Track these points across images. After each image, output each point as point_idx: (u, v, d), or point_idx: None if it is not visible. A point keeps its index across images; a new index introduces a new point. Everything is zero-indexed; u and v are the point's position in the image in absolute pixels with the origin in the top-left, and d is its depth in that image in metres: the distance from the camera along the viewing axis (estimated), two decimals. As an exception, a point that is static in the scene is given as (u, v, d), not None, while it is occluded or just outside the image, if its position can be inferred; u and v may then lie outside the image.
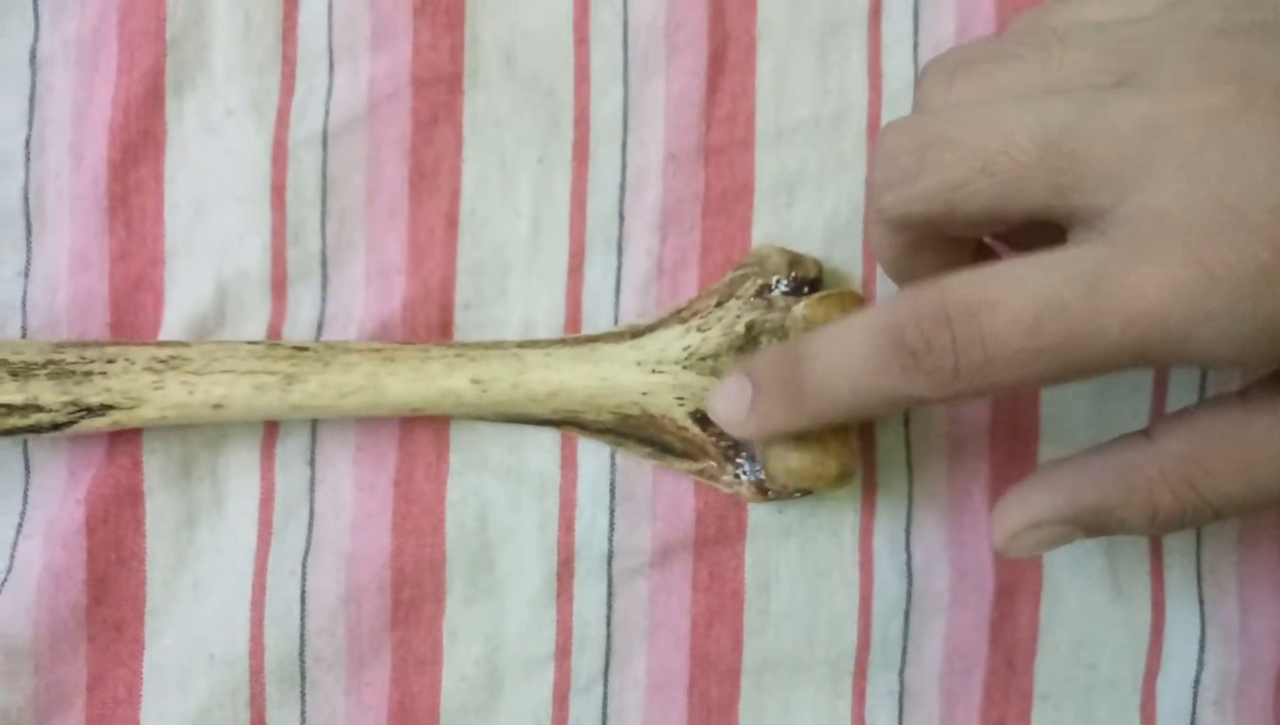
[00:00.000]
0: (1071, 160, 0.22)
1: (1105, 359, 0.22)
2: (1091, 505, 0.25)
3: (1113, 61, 0.23)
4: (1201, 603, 0.30)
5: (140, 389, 0.29)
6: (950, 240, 0.25)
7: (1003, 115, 0.23)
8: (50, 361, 0.29)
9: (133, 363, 0.29)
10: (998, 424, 0.31)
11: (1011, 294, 0.22)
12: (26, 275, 0.30)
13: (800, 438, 0.28)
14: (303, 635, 0.30)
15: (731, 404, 0.27)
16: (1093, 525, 0.25)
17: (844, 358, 0.24)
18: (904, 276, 0.27)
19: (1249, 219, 0.21)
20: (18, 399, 0.28)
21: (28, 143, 0.31)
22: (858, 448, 0.29)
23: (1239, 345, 0.22)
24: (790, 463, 0.28)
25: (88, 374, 0.29)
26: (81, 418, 0.29)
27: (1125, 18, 0.24)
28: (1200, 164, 0.22)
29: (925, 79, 0.26)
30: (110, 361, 0.29)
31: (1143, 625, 0.31)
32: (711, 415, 0.28)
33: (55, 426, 0.29)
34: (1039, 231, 0.24)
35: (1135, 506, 0.24)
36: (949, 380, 0.23)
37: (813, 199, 0.31)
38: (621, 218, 0.31)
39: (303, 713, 0.30)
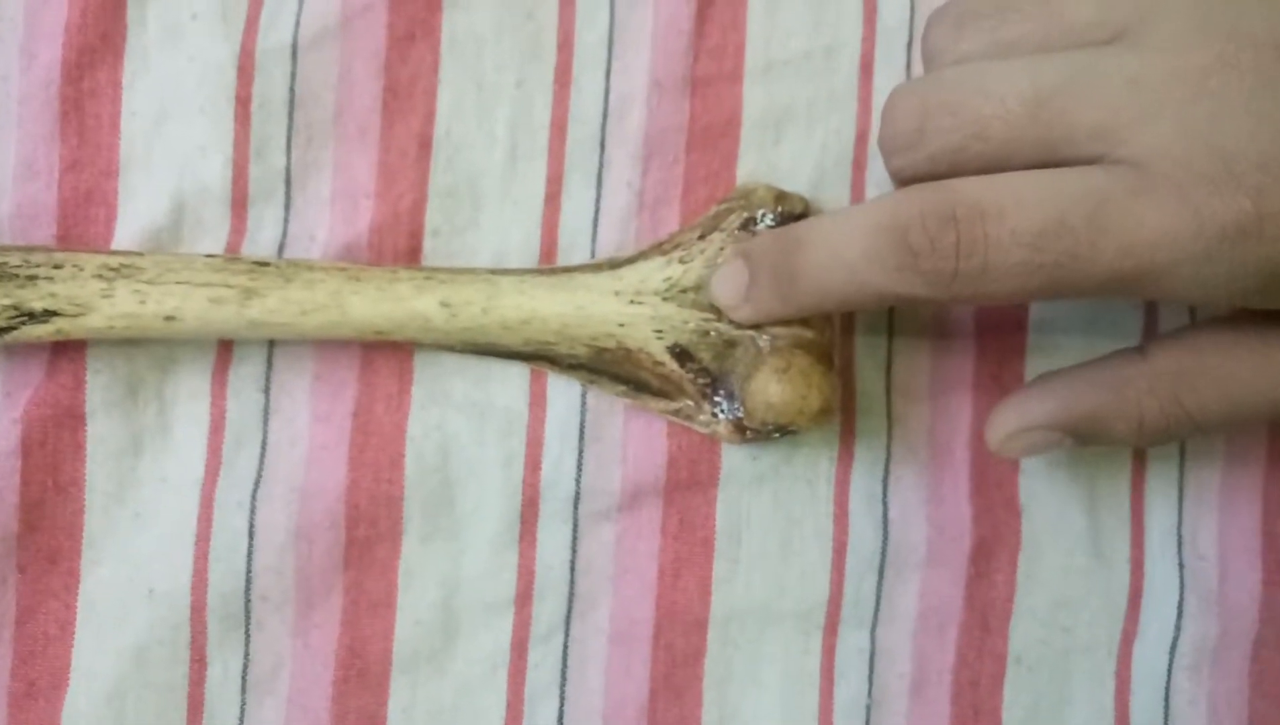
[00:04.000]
0: (1061, 117, 0.24)
1: (1095, 283, 0.23)
2: (1084, 413, 0.26)
3: (1109, 15, 0.24)
4: (1181, 568, 0.30)
5: (88, 296, 0.27)
6: None
7: (997, 78, 0.24)
8: (-9, 264, 0.27)
9: (81, 269, 0.27)
10: (981, 376, 0.30)
11: (1018, 206, 0.23)
12: (-32, 181, 0.29)
13: (783, 369, 0.27)
14: (249, 572, 0.29)
15: (729, 288, 0.28)
16: (1084, 432, 0.26)
17: (842, 249, 0.25)
18: None
19: (1235, 169, 0.22)
20: (-46, 302, 0.27)
21: (-25, 40, 0.29)
22: (839, 383, 0.28)
23: (1212, 288, 0.23)
24: (771, 396, 0.27)
25: (32, 278, 0.27)
26: (22, 323, 0.27)
27: None
28: (1190, 116, 0.23)
29: (932, 29, 0.26)
30: (57, 266, 0.27)
31: (1121, 589, 0.30)
32: (712, 298, 0.28)
33: (-7, 332, 0.27)
34: None
35: (1124, 416, 0.26)
36: (945, 282, 0.24)
37: (801, 136, 0.30)
38: (602, 147, 0.30)
39: (246, 654, 0.29)
